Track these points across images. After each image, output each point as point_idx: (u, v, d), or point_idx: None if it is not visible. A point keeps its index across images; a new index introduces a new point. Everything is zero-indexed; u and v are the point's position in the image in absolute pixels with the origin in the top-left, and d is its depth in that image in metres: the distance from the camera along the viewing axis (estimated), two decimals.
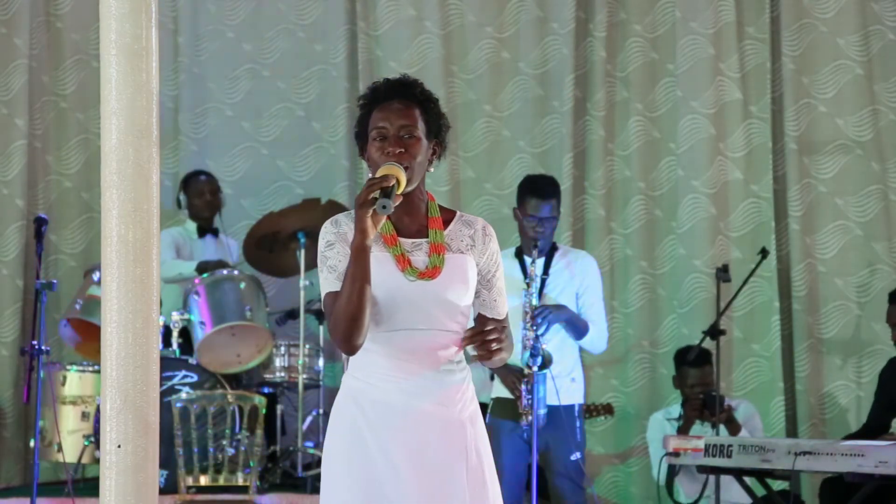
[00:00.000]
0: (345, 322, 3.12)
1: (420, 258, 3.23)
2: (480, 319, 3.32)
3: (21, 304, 7.59)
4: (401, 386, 3.18)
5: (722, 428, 6.49)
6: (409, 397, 3.18)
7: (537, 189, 5.85)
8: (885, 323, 6.75)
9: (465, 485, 3.18)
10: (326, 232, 3.27)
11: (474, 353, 3.23)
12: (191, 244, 7.36)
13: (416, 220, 3.26)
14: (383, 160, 3.19)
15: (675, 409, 6.90)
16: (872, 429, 6.38)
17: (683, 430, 6.61)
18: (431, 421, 3.19)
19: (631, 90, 7.79)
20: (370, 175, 3.24)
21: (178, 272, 7.13)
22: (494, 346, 3.17)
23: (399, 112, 3.23)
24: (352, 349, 3.16)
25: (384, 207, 3.07)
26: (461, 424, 3.22)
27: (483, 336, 3.17)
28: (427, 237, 3.26)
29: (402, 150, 3.20)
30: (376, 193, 3.08)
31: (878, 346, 7.45)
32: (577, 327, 5.86)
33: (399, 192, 3.13)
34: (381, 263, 3.18)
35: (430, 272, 3.20)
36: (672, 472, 6.17)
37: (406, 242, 3.23)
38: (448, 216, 3.33)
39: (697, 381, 6.76)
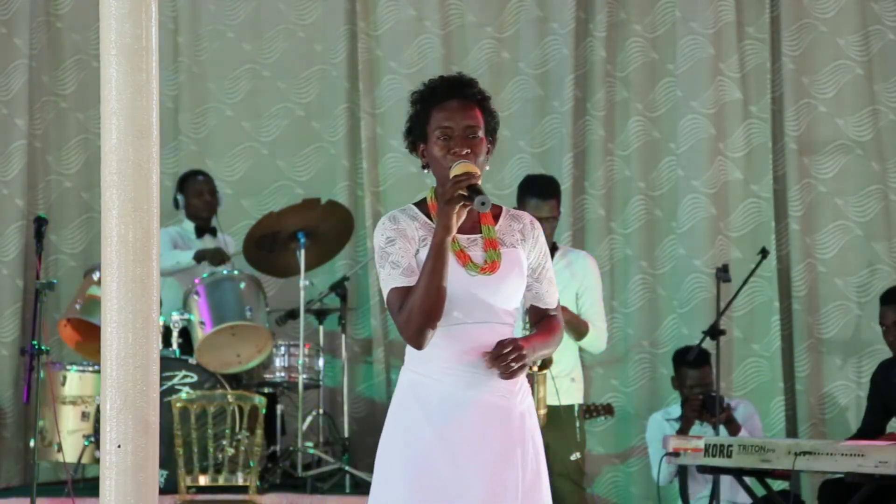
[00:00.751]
0: (421, 317, 3.17)
1: (477, 253, 3.28)
2: (532, 311, 3.39)
3: (21, 304, 7.59)
4: (461, 379, 3.24)
5: (722, 428, 6.49)
6: (468, 389, 3.23)
7: (537, 189, 5.85)
8: (879, 324, 6.73)
9: (520, 475, 3.23)
10: (385, 228, 3.29)
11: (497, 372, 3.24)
12: (189, 244, 7.36)
13: (469, 216, 3.27)
14: (449, 160, 3.23)
15: (675, 410, 6.90)
16: (866, 433, 6.38)
17: (683, 431, 6.61)
18: (491, 412, 3.24)
19: (631, 90, 7.79)
20: (439, 172, 3.27)
21: (175, 261, 7.12)
22: (515, 365, 3.21)
23: (463, 112, 3.28)
24: (422, 344, 3.21)
25: (483, 204, 3.12)
26: (519, 415, 3.28)
27: (503, 358, 3.20)
28: (479, 233, 3.31)
29: (469, 150, 3.24)
30: (464, 191, 3.13)
31: (878, 346, 7.44)
32: (577, 329, 5.86)
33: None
34: None
35: (490, 267, 3.26)
36: (684, 475, 6.15)
37: (462, 238, 3.27)
38: (496, 211, 3.38)
39: (696, 381, 6.76)
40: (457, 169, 3.19)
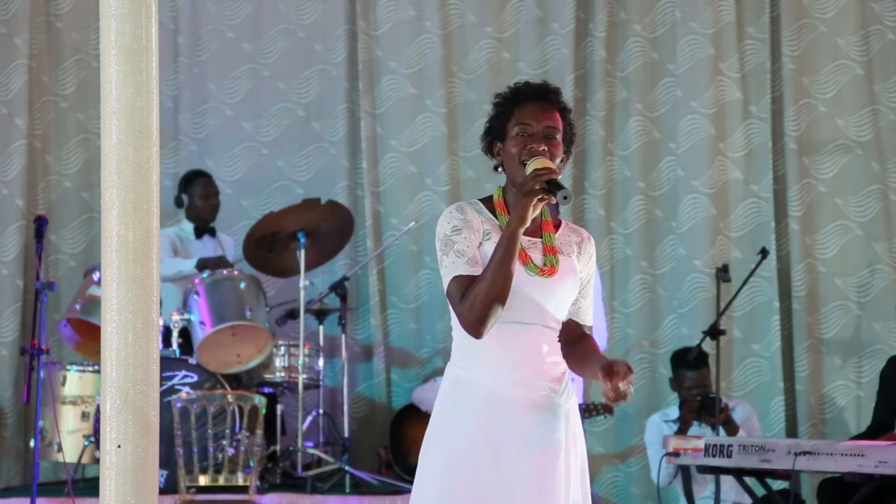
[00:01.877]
0: (485, 305, 3.18)
1: (537, 256, 3.32)
2: (569, 325, 3.40)
3: (21, 304, 7.59)
4: (507, 377, 3.26)
5: (721, 429, 6.49)
6: (514, 388, 3.26)
7: None
8: (890, 321, 6.71)
9: (562, 474, 3.25)
10: (452, 217, 3.31)
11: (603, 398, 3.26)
12: (188, 245, 7.35)
13: (532, 221, 3.30)
14: (525, 156, 3.26)
15: (673, 411, 6.89)
16: (876, 430, 6.38)
17: (681, 433, 6.60)
18: (536, 411, 3.26)
19: (631, 90, 7.79)
20: (511, 167, 3.28)
21: (177, 269, 7.13)
22: (631, 389, 3.22)
23: (544, 113, 3.32)
24: (482, 333, 3.22)
25: (565, 198, 3.14)
26: (564, 415, 3.31)
27: (616, 382, 3.18)
28: (540, 237, 3.35)
29: (546, 148, 3.27)
30: (544, 184, 3.15)
31: (878, 346, 7.46)
32: None
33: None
34: None
35: (549, 270, 3.30)
36: (687, 477, 6.13)
37: (524, 240, 3.30)
38: (556, 222, 3.43)
39: (695, 382, 6.75)
40: (536, 163, 3.22)
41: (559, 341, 3.39)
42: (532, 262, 3.29)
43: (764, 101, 7.70)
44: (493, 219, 3.33)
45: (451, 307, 3.29)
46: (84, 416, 6.86)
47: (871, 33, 7.71)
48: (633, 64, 7.80)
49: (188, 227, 7.41)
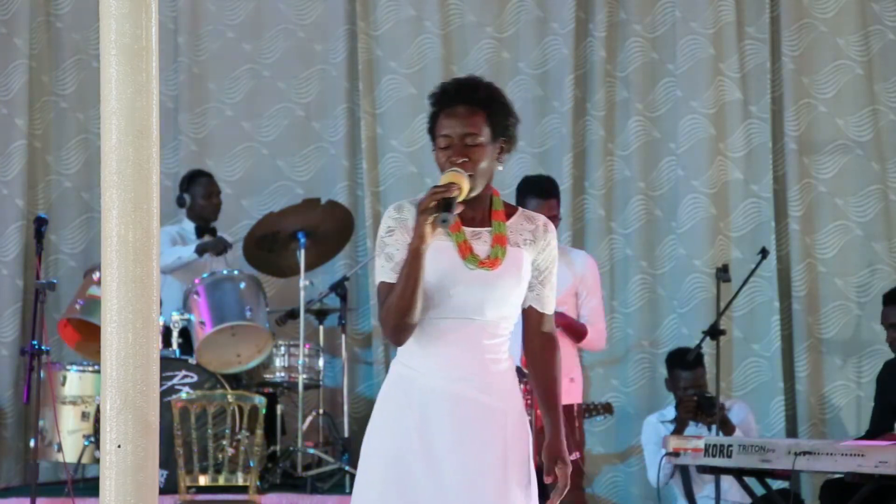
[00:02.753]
0: (395, 317, 3.20)
1: (481, 248, 3.29)
2: (530, 313, 3.39)
3: (21, 304, 7.59)
4: (445, 373, 3.26)
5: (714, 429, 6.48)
6: (453, 384, 3.25)
7: (536, 189, 5.85)
8: (881, 325, 6.72)
9: (499, 473, 3.24)
10: (388, 217, 3.33)
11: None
12: (189, 244, 7.35)
13: (479, 211, 3.32)
14: (447, 167, 3.27)
15: (670, 412, 6.88)
16: (875, 433, 6.37)
17: (678, 433, 6.59)
18: (474, 408, 3.25)
19: (631, 90, 7.79)
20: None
21: (177, 256, 7.12)
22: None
23: (463, 120, 3.30)
24: (399, 342, 3.26)
25: (444, 222, 3.14)
26: (502, 413, 3.28)
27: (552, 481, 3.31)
28: (489, 227, 3.33)
29: (466, 159, 3.26)
30: (436, 202, 3.15)
31: (878, 346, 7.45)
32: (576, 331, 5.86)
33: (461, 199, 3.20)
34: (441, 251, 3.25)
35: (491, 262, 3.28)
36: (687, 478, 6.13)
37: (468, 231, 3.30)
38: (511, 211, 3.40)
39: (690, 383, 6.74)
40: (443, 178, 3.23)
41: (523, 326, 3.39)
42: (473, 255, 3.27)
43: (764, 101, 7.70)
44: None
45: None
46: (84, 416, 6.86)
47: (871, 33, 7.71)
48: (633, 64, 7.80)
49: (189, 226, 7.41)
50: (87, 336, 6.89)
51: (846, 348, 7.57)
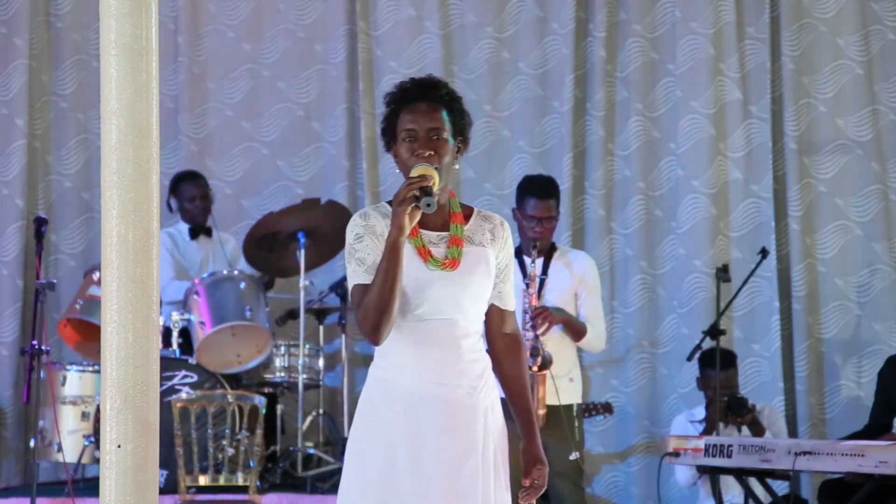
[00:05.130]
0: (375, 314, 3.22)
1: (442, 251, 3.34)
2: (493, 311, 3.44)
3: (21, 304, 7.59)
4: (425, 375, 3.29)
5: (745, 429, 6.47)
6: (431, 386, 3.28)
7: (536, 189, 5.85)
8: (890, 321, 6.70)
9: (477, 471, 3.28)
10: (355, 224, 3.37)
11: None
12: (183, 246, 7.35)
13: (440, 215, 3.36)
14: (413, 161, 3.32)
15: (699, 412, 6.86)
16: (873, 429, 6.38)
17: (707, 433, 6.56)
18: (454, 408, 3.29)
19: (631, 90, 7.79)
20: (405, 172, 3.35)
21: (185, 291, 7.10)
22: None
23: (427, 115, 3.37)
24: (378, 340, 3.27)
25: (429, 206, 3.19)
26: (483, 411, 3.33)
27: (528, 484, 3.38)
28: (448, 231, 3.37)
29: (432, 152, 3.32)
30: (416, 192, 3.20)
31: (878, 346, 7.45)
32: (575, 329, 5.86)
33: (434, 191, 3.24)
34: (408, 257, 3.28)
35: (450, 263, 3.32)
36: (716, 479, 6.10)
37: (430, 235, 3.35)
38: (467, 212, 3.46)
39: (722, 383, 6.71)
40: (414, 171, 3.28)
41: (486, 326, 3.44)
42: (433, 258, 3.31)
43: (764, 101, 7.70)
44: None
45: None
46: (84, 416, 6.86)
47: (871, 33, 7.71)
48: (633, 64, 7.80)
49: (183, 227, 7.40)
50: (87, 336, 6.89)
51: (846, 348, 7.57)
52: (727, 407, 6.53)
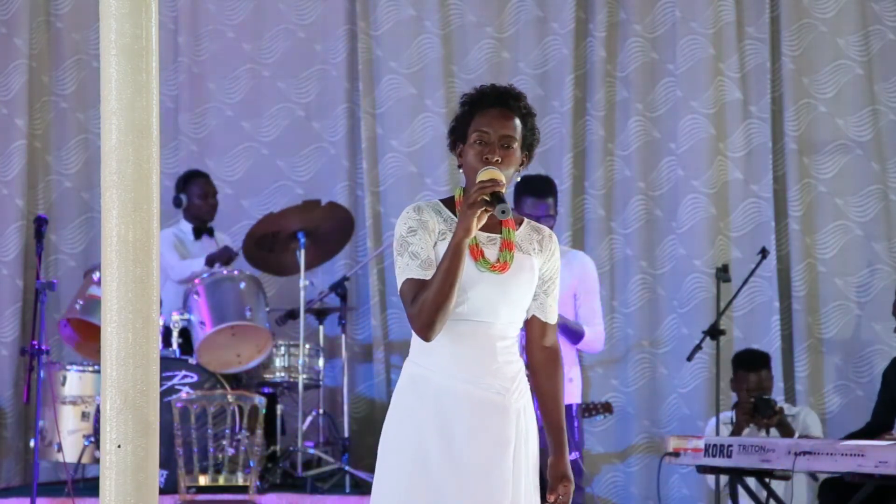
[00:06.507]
0: (431, 312, 3.23)
1: (492, 252, 3.36)
2: (533, 322, 3.46)
3: (21, 304, 7.59)
4: (460, 374, 3.30)
5: (774, 431, 6.47)
6: (466, 385, 3.30)
7: (533, 189, 5.84)
8: (892, 315, 6.68)
9: (510, 469, 3.30)
10: (409, 218, 3.35)
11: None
12: (188, 245, 7.36)
13: (492, 218, 3.33)
14: (480, 165, 3.31)
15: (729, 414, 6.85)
16: (875, 427, 6.38)
17: (735, 434, 6.54)
18: (487, 409, 3.30)
19: (631, 90, 7.79)
20: (469, 174, 3.33)
21: (191, 271, 7.13)
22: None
23: (502, 121, 3.36)
24: (430, 338, 3.27)
25: (503, 213, 3.20)
26: (514, 412, 3.34)
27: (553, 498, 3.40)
28: (500, 233, 3.39)
29: (500, 159, 3.32)
30: (486, 196, 3.20)
31: (878, 346, 7.45)
32: (573, 332, 5.86)
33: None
34: None
35: (501, 266, 3.33)
36: (734, 480, 6.08)
37: (481, 236, 3.35)
38: (518, 220, 3.48)
39: (754, 384, 6.68)
40: (484, 174, 3.26)
41: (526, 337, 3.46)
42: (484, 258, 3.32)
43: (764, 101, 7.70)
44: (453, 217, 3.36)
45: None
46: (84, 416, 6.86)
47: (871, 33, 7.71)
48: (633, 64, 7.80)
49: (186, 227, 7.41)
50: (87, 336, 6.89)
51: (846, 348, 7.57)
52: (754, 408, 6.50)
